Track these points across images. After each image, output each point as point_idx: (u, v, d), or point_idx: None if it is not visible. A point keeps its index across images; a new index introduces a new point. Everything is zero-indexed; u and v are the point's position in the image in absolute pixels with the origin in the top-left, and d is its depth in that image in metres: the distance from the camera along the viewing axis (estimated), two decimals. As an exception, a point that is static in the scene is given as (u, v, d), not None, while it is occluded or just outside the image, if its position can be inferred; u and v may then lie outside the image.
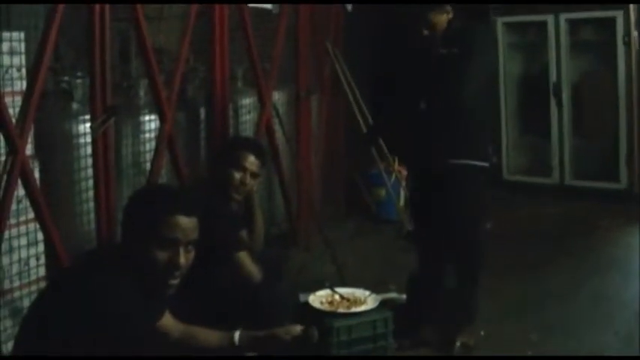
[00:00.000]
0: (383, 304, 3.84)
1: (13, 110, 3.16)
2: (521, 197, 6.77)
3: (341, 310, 3.75)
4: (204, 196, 3.31)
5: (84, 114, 3.62)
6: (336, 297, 3.87)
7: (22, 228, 3.26)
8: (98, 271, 2.21)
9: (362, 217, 6.29)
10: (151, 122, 4.04)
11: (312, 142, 5.62)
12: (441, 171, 3.78)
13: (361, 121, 5.79)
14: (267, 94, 4.86)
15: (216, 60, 4.34)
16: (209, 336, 2.65)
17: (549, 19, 6.85)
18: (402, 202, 6.11)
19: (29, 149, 3.26)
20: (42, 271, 3.35)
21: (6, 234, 3.13)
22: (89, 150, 3.56)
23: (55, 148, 3.58)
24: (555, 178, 7.02)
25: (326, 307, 3.78)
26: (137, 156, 4.01)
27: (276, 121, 5.05)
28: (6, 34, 3.17)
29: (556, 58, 6.88)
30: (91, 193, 3.58)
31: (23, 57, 3.25)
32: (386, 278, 4.65)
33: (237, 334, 2.61)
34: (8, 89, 3.16)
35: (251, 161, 3.62)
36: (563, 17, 6.79)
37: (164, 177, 4.06)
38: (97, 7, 3.43)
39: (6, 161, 3.09)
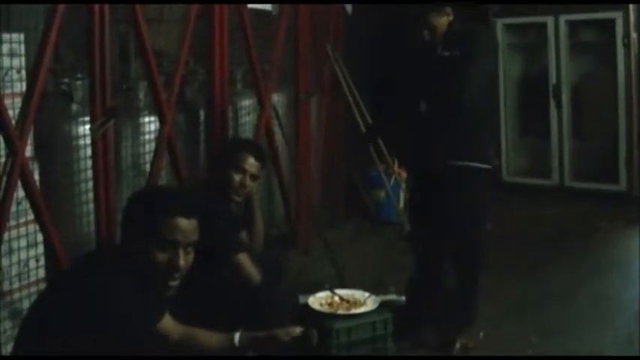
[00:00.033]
0: (382, 305, 3.84)
1: (13, 112, 3.15)
2: (520, 198, 6.77)
3: (340, 311, 3.76)
4: (203, 198, 3.31)
5: (84, 116, 3.62)
6: (336, 299, 3.87)
7: (22, 229, 3.25)
8: (98, 272, 2.21)
9: (361, 219, 6.29)
10: (150, 124, 4.03)
11: (312, 143, 5.61)
12: (442, 171, 3.79)
13: (361, 123, 5.79)
14: (267, 95, 4.86)
15: (215, 62, 4.34)
16: (209, 337, 2.65)
17: (549, 20, 6.85)
18: (401, 203, 6.11)
19: (29, 151, 3.25)
20: (42, 273, 3.34)
21: (6, 235, 3.13)
22: (89, 152, 3.56)
23: (55, 149, 3.58)
24: (555, 180, 7.02)
25: (325, 309, 3.78)
26: (137, 158, 4.01)
27: (275, 122, 5.05)
28: (6, 36, 3.17)
29: (556, 60, 6.88)
30: (90, 195, 3.58)
31: (23, 59, 3.24)
32: (385, 280, 4.65)
33: (237, 336, 2.61)
34: (8, 91, 3.16)
35: (251, 163, 3.62)
36: (563, 19, 6.79)
37: (164, 179, 4.06)
38: (97, 7, 3.42)
39: (6, 163, 3.09)
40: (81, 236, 3.66)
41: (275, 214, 5.30)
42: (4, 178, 3.08)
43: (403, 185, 6.12)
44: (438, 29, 3.77)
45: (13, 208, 3.17)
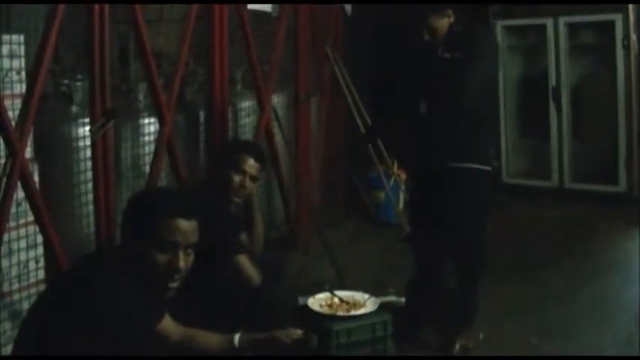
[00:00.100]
0: (382, 307, 3.84)
1: (13, 113, 3.15)
2: (520, 200, 6.76)
3: (340, 313, 3.75)
4: (203, 199, 3.30)
5: (83, 117, 3.62)
6: (336, 300, 3.87)
7: (22, 231, 3.25)
8: (98, 273, 2.21)
9: (361, 220, 6.29)
10: (150, 125, 4.03)
11: (312, 144, 5.61)
12: (442, 173, 3.79)
13: (360, 124, 5.79)
14: (267, 96, 4.86)
15: (215, 63, 4.34)
16: (209, 338, 2.65)
17: (549, 22, 6.85)
18: (401, 204, 6.11)
19: (29, 152, 3.25)
20: (41, 274, 3.34)
21: (5, 237, 3.13)
22: (88, 153, 3.56)
23: (55, 151, 3.58)
24: (554, 181, 7.01)
25: (325, 310, 3.78)
26: (136, 159, 4.01)
27: (275, 124, 5.05)
28: (6, 37, 3.17)
29: (555, 62, 6.88)
30: (90, 196, 3.58)
31: (23, 60, 3.24)
32: (385, 281, 4.65)
33: (237, 337, 2.61)
34: (8, 92, 3.16)
35: (250, 164, 3.63)
36: (563, 21, 6.79)
37: (163, 180, 4.06)
38: (97, 7, 3.42)
39: (5, 164, 3.09)
40: (81, 237, 3.66)
41: (275, 215, 5.30)
42: (4, 180, 3.07)
43: (403, 186, 6.12)
44: (439, 31, 3.77)
45: (13, 210, 3.17)
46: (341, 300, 3.86)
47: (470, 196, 3.82)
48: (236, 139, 4.64)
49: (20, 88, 3.23)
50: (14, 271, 3.22)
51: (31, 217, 3.26)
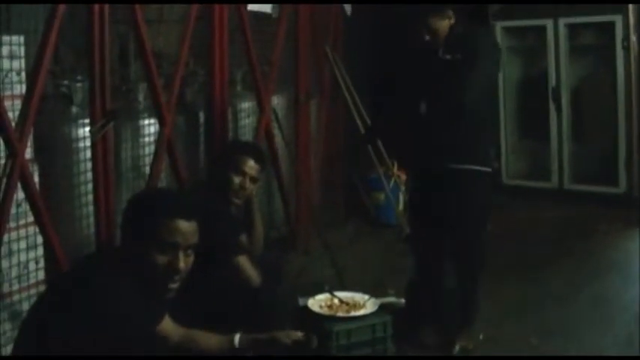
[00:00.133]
0: (382, 308, 3.84)
1: (13, 114, 3.15)
2: (520, 201, 6.76)
3: (340, 314, 3.75)
4: (203, 200, 3.30)
5: (83, 118, 3.62)
6: (336, 301, 3.87)
7: (22, 231, 3.25)
8: (98, 274, 2.21)
9: (361, 221, 6.29)
10: (150, 126, 4.03)
11: (312, 145, 5.61)
12: (442, 174, 3.79)
13: (360, 125, 5.79)
14: (267, 97, 4.86)
15: (215, 64, 4.34)
16: (209, 339, 2.65)
17: (548, 23, 6.85)
18: (401, 206, 6.11)
19: (29, 153, 3.25)
20: (41, 275, 3.34)
21: (5, 237, 3.12)
22: (88, 154, 3.56)
23: (55, 151, 3.58)
24: (554, 183, 7.01)
25: (325, 311, 3.78)
26: (136, 160, 4.01)
27: (275, 125, 5.05)
28: (6, 38, 3.17)
29: (555, 63, 6.88)
30: (90, 197, 3.58)
31: (23, 61, 3.24)
32: (385, 282, 4.65)
33: (237, 337, 2.61)
34: (8, 93, 3.16)
35: (250, 165, 3.63)
36: (563, 22, 6.79)
37: (163, 181, 4.06)
38: (97, 7, 3.42)
39: (5, 165, 3.09)
40: (81, 238, 3.66)
41: (275, 216, 5.30)
42: (4, 180, 3.07)
43: (402, 187, 6.12)
44: (440, 32, 3.75)
45: (13, 210, 3.17)
46: (341, 301, 3.86)
47: (470, 197, 3.82)
48: (236, 140, 4.64)
49: (20, 88, 3.23)
50: (14, 272, 3.22)
51: (31, 218, 3.26)
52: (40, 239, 3.32)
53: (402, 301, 4.22)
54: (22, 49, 3.24)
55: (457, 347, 3.84)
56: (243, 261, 3.46)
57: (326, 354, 3.54)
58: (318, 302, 3.84)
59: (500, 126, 7.17)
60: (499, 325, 4.07)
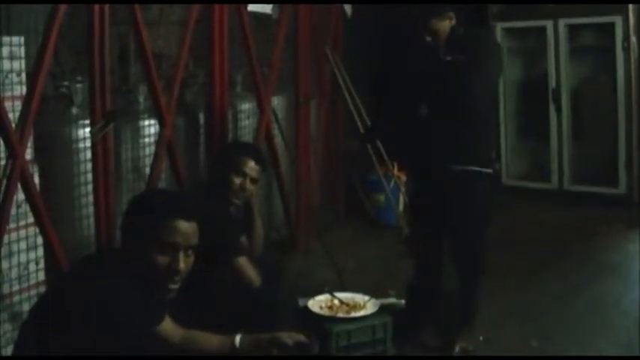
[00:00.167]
0: (382, 309, 3.83)
1: (13, 115, 3.16)
2: (520, 202, 6.76)
3: (340, 314, 3.75)
4: (203, 201, 3.30)
5: (83, 119, 3.62)
6: (336, 302, 3.87)
7: (22, 232, 3.25)
8: (98, 275, 2.21)
9: (361, 222, 6.29)
10: (150, 127, 4.04)
11: (312, 147, 5.62)
12: (442, 174, 3.79)
13: (360, 126, 5.79)
14: (267, 99, 4.87)
15: (215, 65, 4.34)
16: (209, 340, 2.64)
17: (548, 24, 6.86)
18: (401, 207, 6.11)
19: (29, 154, 3.25)
20: (41, 276, 3.34)
21: (5, 238, 3.12)
22: (89, 155, 3.56)
23: (55, 152, 3.58)
24: (554, 183, 7.02)
25: (325, 312, 3.78)
26: (137, 161, 4.01)
27: (275, 126, 5.05)
28: (6, 39, 3.17)
29: (555, 64, 6.89)
30: (90, 198, 3.58)
31: (23, 61, 3.24)
32: (385, 283, 4.65)
33: (237, 338, 2.61)
34: (8, 94, 3.16)
35: (251, 166, 3.62)
36: (563, 23, 6.79)
37: (163, 182, 4.06)
38: (97, 7, 3.42)
39: (6, 165, 3.09)
40: (81, 239, 3.66)
41: (275, 217, 5.30)
42: (4, 181, 3.07)
43: (402, 189, 6.12)
44: (440, 33, 3.75)
45: (13, 211, 3.17)
46: (341, 302, 3.86)
47: (470, 199, 3.82)
48: (236, 141, 4.64)
49: (20, 89, 3.23)
50: (14, 273, 3.22)
51: (31, 219, 3.26)
52: (40, 240, 3.32)
53: (403, 302, 4.23)
54: (23, 50, 3.24)
55: (457, 348, 3.84)
56: (244, 262, 3.45)
57: (326, 355, 3.53)
58: (318, 303, 3.84)
59: (500, 126, 7.16)
60: (499, 327, 4.07)
